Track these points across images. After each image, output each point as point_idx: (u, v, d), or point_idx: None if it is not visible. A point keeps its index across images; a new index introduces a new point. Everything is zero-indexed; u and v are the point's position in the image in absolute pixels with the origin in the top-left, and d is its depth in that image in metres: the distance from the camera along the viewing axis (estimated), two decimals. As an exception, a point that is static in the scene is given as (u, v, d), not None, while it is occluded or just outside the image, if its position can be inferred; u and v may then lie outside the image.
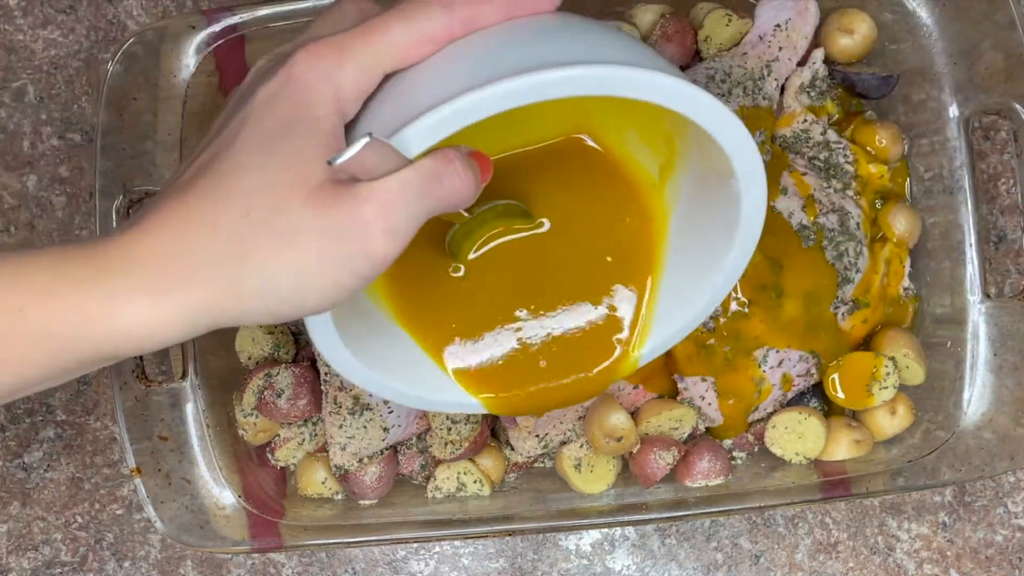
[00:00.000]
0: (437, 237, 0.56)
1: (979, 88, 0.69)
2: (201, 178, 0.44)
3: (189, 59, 0.69)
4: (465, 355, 0.59)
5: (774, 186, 0.69)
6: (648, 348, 0.59)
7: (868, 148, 0.72)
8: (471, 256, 0.57)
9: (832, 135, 0.72)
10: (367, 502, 0.72)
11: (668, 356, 0.69)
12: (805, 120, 0.72)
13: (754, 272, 0.66)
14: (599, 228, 0.58)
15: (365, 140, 0.42)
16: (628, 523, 0.71)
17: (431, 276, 0.57)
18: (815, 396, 0.73)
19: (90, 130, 0.79)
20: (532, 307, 0.59)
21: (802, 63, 0.72)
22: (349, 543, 0.69)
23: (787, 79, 0.72)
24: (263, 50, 0.71)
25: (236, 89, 0.49)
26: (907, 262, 0.73)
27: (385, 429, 0.68)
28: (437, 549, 0.78)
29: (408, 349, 0.58)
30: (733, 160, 0.49)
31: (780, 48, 0.71)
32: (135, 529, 0.78)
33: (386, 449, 0.71)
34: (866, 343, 0.73)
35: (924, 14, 0.70)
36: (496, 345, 0.59)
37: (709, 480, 0.70)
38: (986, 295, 0.70)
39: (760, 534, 0.78)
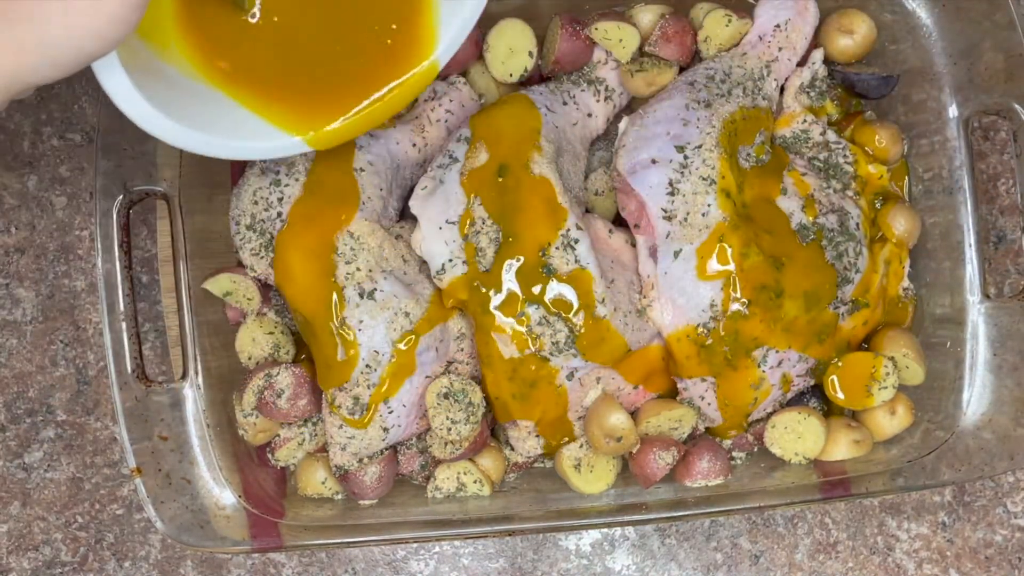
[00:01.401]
0: None
1: (979, 88, 0.69)
2: None
3: (189, 59, 0.69)
4: (277, 94, 0.60)
5: (774, 186, 0.69)
6: (442, 48, 0.61)
7: (868, 148, 0.72)
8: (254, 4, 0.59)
9: (832, 135, 0.72)
10: (367, 502, 0.72)
11: (668, 357, 0.69)
12: (805, 120, 0.72)
13: (754, 272, 0.66)
14: None
15: None
16: (628, 523, 0.71)
17: (228, 28, 0.59)
18: (815, 396, 0.73)
19: (90, 130, 0.79)
20: (331, 35, 0.61)
21: (802, 63, 0.73)
22: (349, 543, 0.69)
23: (787, 79, 0.72)
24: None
25: None
26: (907, 262, 0.73)
27: (385, 429, 0.68)
28: (437, 549, 0.78)
29: (219, 102, 0.59)
30: None
31: (780, 48, 0.71)
32: (135, 529, 0.78)
33: (386, 449, 0.71)
34: (866, 343, 0.73)
35: (924, 14, 0.70)
36: (304, 78, 0.61)
37: (709, 480, 0.70)
38: (986, 295, 0.70)
39: (760, 534, 0.78)
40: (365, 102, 0.62)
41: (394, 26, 0.61)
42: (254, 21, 0.60)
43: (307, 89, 0.61)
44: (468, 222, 0.66)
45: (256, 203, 0.68)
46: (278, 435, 0.73)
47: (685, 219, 0.66)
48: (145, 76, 0.54)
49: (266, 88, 0.60)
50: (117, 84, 0.54)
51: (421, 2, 0.61)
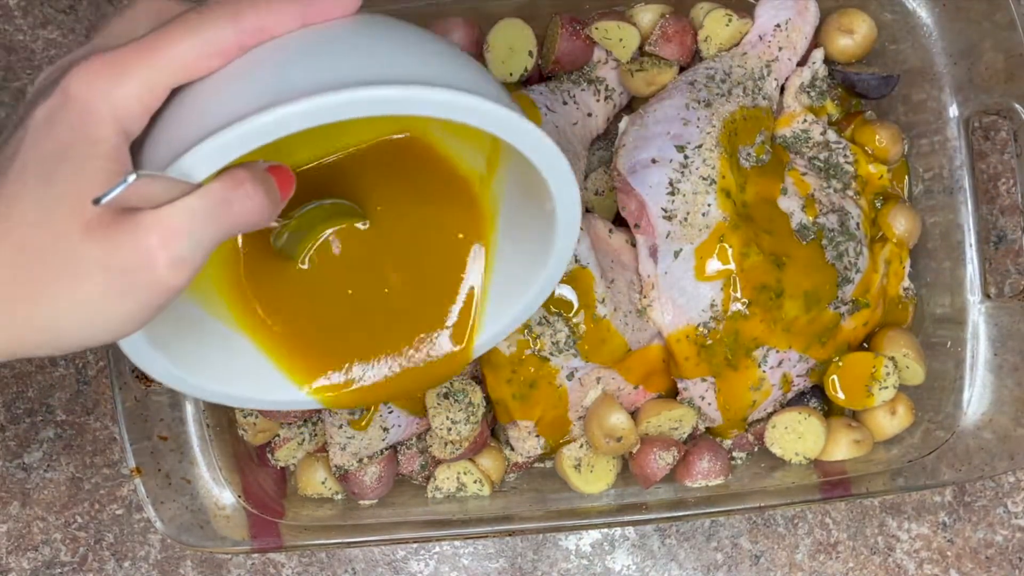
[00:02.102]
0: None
1: (979, 88, 0.69)
2: None
3: (189, 59, 0.69)
4: (302, 349, 0.59)
5: (774, 186, 0.69)
6: (480, 343, 0.60)
7: (868, 148, 0.72)
8: (305, 258, 0.58)
9: (832, 135, 0.72)
10: (367, 502, 0.72)
11: (669, 357, 0.69)
12: (805, 120, 0.72)
13: (754, 272, 0.66)
14: (430, 225, 0.58)
15: (132, 177, 0.40)
16: (628, 523, 0.71)
17: (274, 276, 0.57)
18: (815, 396, 0.73)
19: (90, 130, 0.79)
20: (369, 305, 0.59)
21: (802, 63, 0.72)
22: (349, 543, 0.69)
23: (787, 79, 0.72)
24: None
25: (31, 91, 0.46)
26: (907, 262, 0.73)
27: (385, 429, 0.68)
28: (437, 549, 0.78)
29: (241, 351, 0.57)
30: (549, 183, 0.49)
31: (780, 48, 0.71)
32: (135, 529, 0.78)
33: (386, 449, 0.71)
34: (866, 343, 0.73)
35: (924, 14, 0.70)
36: (334, 341, 0.59)
37: (709, 480, 0.70)
38: (986, 295, 0.70)
39: (760, 534, 0.78)
40: (387, 375, 0.60)
41: (437, 313, 0.59)
42: (304, 268, 0.58)
43: (333, 350, 0.59)
44: (468, 222, 0.66)
45: None
46: (278, 435, 0.73)
47: (685, 219, 0.66)
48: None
49: (294, 342, 0.58)
50: (132, 347, 0.51)
51: (467, 295, 0.59)
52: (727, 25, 0.71)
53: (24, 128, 0.43)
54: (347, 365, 0.59)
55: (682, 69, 0.72)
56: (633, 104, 0.75)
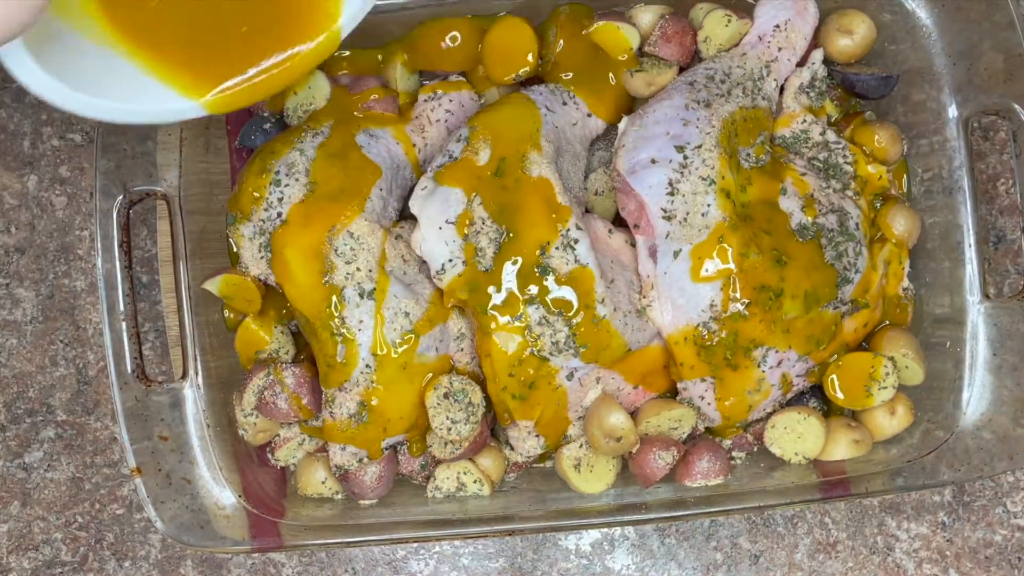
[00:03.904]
0: None
1: (978, 88, 0.69)
2: None
3: (189, 59, 0.69)
4: (177, 57, 0.60)
5: (774, 186, 0.69)
6: (345, 19, 0.62)
7: (867, 148, 0.72)
8: None
9: (831, 135, 0.72)
10: (367, 502, 0.72)
11: (668, 358, 0.69)
12: (804, 120, 0.72)
13: (753, 272, 0.66)
14: None
15: None
16: (628, 523, 0.71)
17: None
18: (814, 396, 0.73)
19: (90, 130, 0.79)
20: (236, 9, 0.61)
21: (801, 63, 0.73)
22: (349, 543, 0.69)
23: (786, 79, 0.72)
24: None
25: None
26: (906, 262, 0.73)
27: (385, 429, 0.68)
28: (437, 549, 0.78)
29: (119, 65, 0.59)
30: None
31: (779, 48, 0.71)
32: (135, 529, 0.78)
33: (386, 449, 0.71)
34: (865, 343, 0.73)
35: (923, 15, 0.70)
36: (204, 41, 0.60)
37: (709, 480, 0.70)
38: (985, 295, 0.70)
39: (760, 534, 0.78)
40: (264, 66, 0.61)
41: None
42: None
43: (207, 53, 0.61)
44: (468, 222, 0.66)
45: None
46: (278, 435, 0.73)
47: (685, 219, 0.66)
48: (41, 35, 0.53)
49: (167, 51, 0.60)
50: (19, 64, 0.54)
51: None
52: (727, 26, 0.71)
53: None
54: (223, 66, 0.61)
55: (682, 69, 0.72)
56: (633, 104, 0.75)
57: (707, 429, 0.72)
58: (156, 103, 0.60)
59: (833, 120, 0.74)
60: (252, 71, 0.61)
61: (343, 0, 0.61)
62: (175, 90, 0.60)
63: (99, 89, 0.57)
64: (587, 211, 0.72)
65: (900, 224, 0.71)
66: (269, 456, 0.73)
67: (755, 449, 0.73)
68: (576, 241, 0.66)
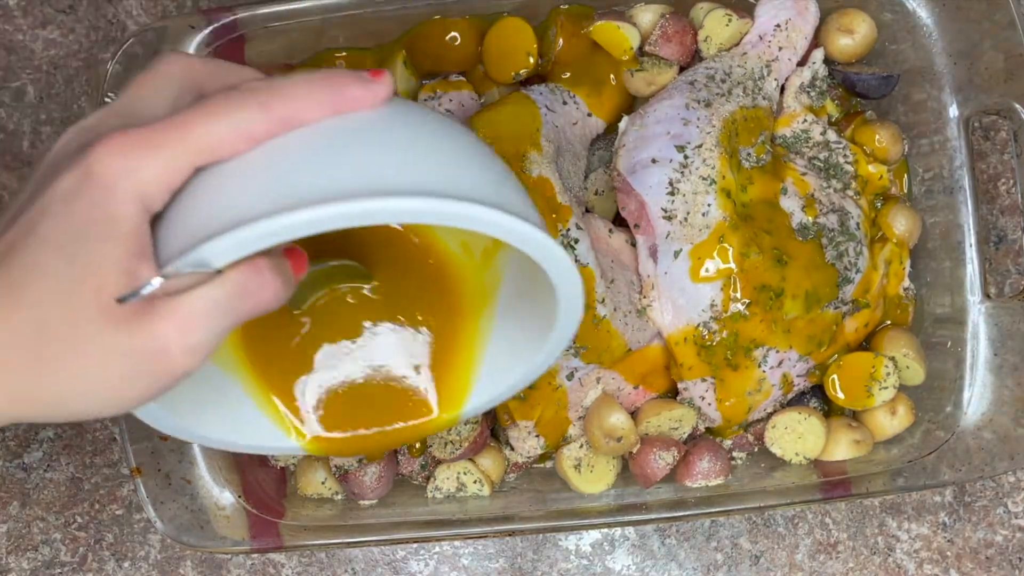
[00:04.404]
0: None
1: (979, 88, 0.69)
2: None
3: (189, 59, 0.69)
4: (290, 399, 0.59)
5: (774, 186, 0.69)
6: (467, 410, 0.59)
7: (868, 148, 0.72)
8: (304, 308, 0.58)
9: (832, 135, 0.72)
10: (367, 502, 0.72)
11: (669, 358, 0.69)
12: (805, 120, 0.72)
13: (754, 272, 0.66)
14: (422, 298, 0.58)
15: (157, 281, 0.41)
16: (628, 523, 0.71)
17: (268, 326, 0.57)
18: (815, 396, 0.73)
19: (90, 130, 0.78)
20: (358, 358, 0.59)
21: (802, 63, 0.72)
22: (349, 543, 0.69)
23: (787, 79, 0.72)
24: (263, 50, 0.71)
25: (46, 156, 0.46)
26: (907, 262, 0.73)
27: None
28: (437, 549, 0.78)
29: (238, 398, 0.57)
30: (557, 292, 0.49)
31: (780, 48, 0.71)
32: (135, 529, 0.78)
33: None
34: (866, 343, 0.73)
35: (924, 14, 0.70)
36: (320, 390, 0.59)
37: (709, 480, 0.70)
38: (986, 295, 0.70)
39: (760, 534, 0.78)
40: (370, 430, 0.59)
41: (423, 368, 0.59)
42: (302, 322, 0.58)
43: (320, 400, 0.59)
44: (468, 222, 0.66)
45: None
46: (278, 435, 0.73)
47: (685, 219, 0.66)
48: None
49: (288, 391, 0.58)
50: None
51: (464, 353, 0.59)
52: (727, 25, 0.71)
53: (44, 199, 0.43)
54: (339, 422, 0.59)
55: (682, 69, 0.72)
56: (634, 104, 0.74)
57: (708, 429, 0.72)
58: (262, 439, 0.58)
59: (834, 120, 0.74)
60: (360, 431, 0.59)
61: (472, 387, 0.59)
62: (283, 430, 0.58)
63: (206, 415, 0.55)
64: (587, 211, 0.72)
65: (901, 224, 0.71)
66: (269, 456, 0.73)
67: (756, 449, 0.73)
68: (576, 241, 0.65)
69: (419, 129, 0.46)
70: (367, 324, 0.59)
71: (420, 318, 0.59)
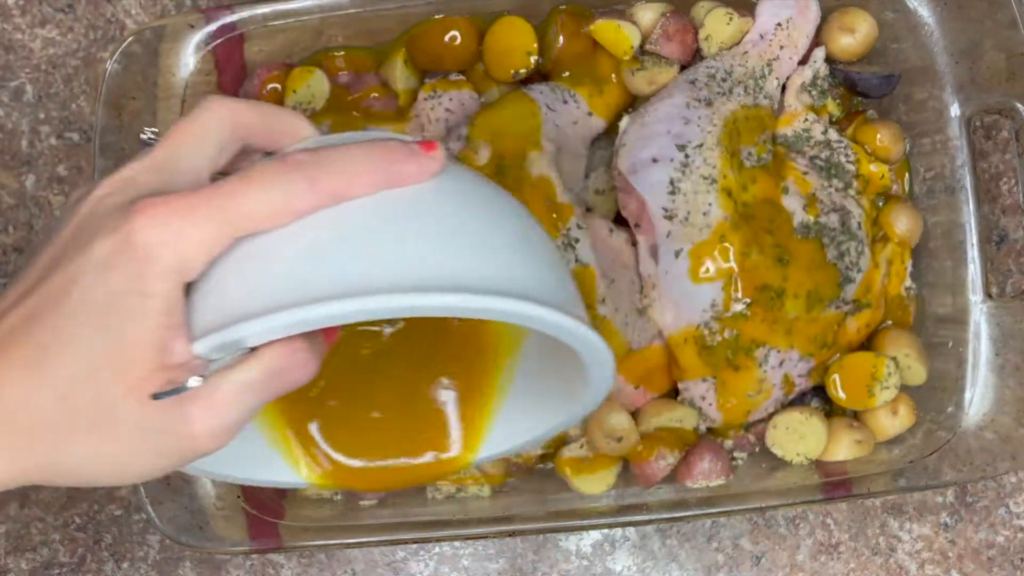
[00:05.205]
0: None
1: (980, 87, 0.69)
2: (21, 338, 0.41)
3: (188, 58, 0.69)
4: (309, 440, 0.58)
5: (775, 185, 0.69)
6: (482, 455, 0.58)
7: (869, 147, 0.72)
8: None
9: (833, 134, 0.72)
10: (367, 502, 0.72)
11: (669, 358, 0.69)
12: (806, 119, 0.71)
13: (755, 271, 0.66)
14: (444, 343, 0.58)
15: (196, 382, 0.40)
16: (628, 524, 0.71)
17: None
18: (816, 396, 0.73)
19: (88, 129, 0.78)
20: (377, 398, 0.58)
21: (803, 62, 0.72)
22: (348, 544, 0.69)
23: (788, 78, 0.72)
24: (262, 49, 0.71)
25: (77, 206, 0.44)
26: (908, 262, 0.73)
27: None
28: (437, 550, 0.77)
29: (253, 438, 0.56)
30: (587, 366, 0.48)
31: (781, 47, 0.71)
32: (134, 530, 0.78)
33: (386, 450, 0.71)
34: (867, 343, 0.73)
35: (925, 13, 0.70)
36: (333, 426, 0.58)
37: (710, 481, 0.70)
38: (988, 295, 0.70)
39: (761, 535, 0.78)
40: (383, 466, 0.58)
41: (444, 408, 0.58)
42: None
43: (341, 443, 0.58)
44: (468, 221, 0.65)
45: None
46: (277, 435, 0.72)
47: (686, 218, 0.66)
48: None
49: (303, 433, 0.58)
50: None
51: (484, 400, 0.58)
52: (728, 24, 0.71)
53: (78, 264, 0.41)
54: (346, 448, 0.58)
55: (683, 68, 0.72)
56: (634, 103, 0.74)
57: (708, 429, 0.72)
58: (271, 475, 0.57)
59: (835, 119, 0.74)
60: (376, 463, 0.58)
61: (486, 433, 0.57)
62: (293, 469, 0.57)
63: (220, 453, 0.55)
64: (588, 210, 0.71)
65: (902, 223, 0.71)
66: (268, 456, 0.73)
67: (756, 449, 0.73)
68: (577, 241, 0.65)
69: (470, 209, 0.45)
70: (386, 368, 0.58)
71: (444, 364, 0.58)
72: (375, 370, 0.58)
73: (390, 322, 0.57)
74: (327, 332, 0.46)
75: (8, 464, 0.42)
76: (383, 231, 0.43)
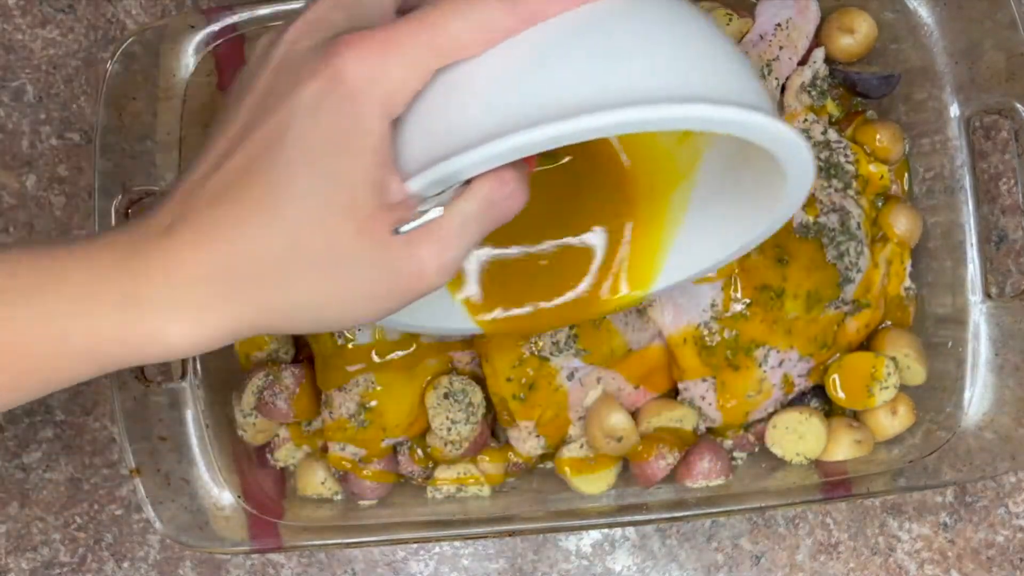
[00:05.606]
0: None
1: (980, 87, 0.69)
2: (241, 191, 0.41)
3: (188, 58, 0.69)
4: (472, 279, 0.58)
5: (775, 186, 0.69)
6: (659, 286, 0.58)
7: (868, 148, 0.72)
8: None
9: (833, 135, 0.72)
10: (367, 502, 0.72)
11: (669, 358, 0.69)
12: (806, 120, 0.71)
13: (755, 272, 0.66)
14: (614, 170, 0.57)
15: (438, 211, 0.40)
16: (628, 523, 0.71)
17: None
18: (816, 396, 0.73)
19: (89, 130, 0.78)
20: (546, 234, 0.58)
21: (803, 62, 0.72)
22: (349, 544, 0.69)
23: (788, 78, 0.72)
24: (262, 49, 0.71)
25: (269, 52, 0.43)
26: (908, 262, 0.73)
27: (384, 429, 0.68)
28: (437, 550, 0.77)
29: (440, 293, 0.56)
30: (787, 172, 0.47)
31: (781, 47, 0.71)
32: (134, 530, 0.78)
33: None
34: (867, 343, 0.73)
35: (925, 13, 0.70)
36: (502, 267, 0.58)
37: (710, 480, 0.70)
38: (987, 295, 0.70)
39: (761, 535, 0.78)
40: (560, 303, 0.59)
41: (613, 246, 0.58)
42: None
43: (511, 288, 0.59)
44: (468, 221, 0.65)
45: None
46: (277, 435, 0.72)
47: (686, 218, 0.66)
48: None
49: (476, 278, 0.58)
50: None
51: (654, 233, 0.57)
52: (728, 24, 0.71)
53: (287, 108, 0.41)
54: (521, 299, 0.59)
55: (682, 68, 0.72)
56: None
57: (708, 429, 0.72)
58: (451, 322, 0.58)
59: (834, 119, 0.74)
60: (539, 305, 0.59)
61: (660, 265, 0.57)
62: (468, 313, 0.58)
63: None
64: (588, 210, 0.71)
65: (902, 223, 0.71)
66: (268, 456, 0.73)
67: (756, 449, 0.73)
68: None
69: (670, 15, 0.43)
70: (554, 206, 0.57)
71: (608, 202, 0.57)
72: (543, 213, 0.57)
73: (557, 163, 0.56)
74: (527, 160, 0.45)
75: (239, 313, 0.42)
76: (584, 49, 0.41)
